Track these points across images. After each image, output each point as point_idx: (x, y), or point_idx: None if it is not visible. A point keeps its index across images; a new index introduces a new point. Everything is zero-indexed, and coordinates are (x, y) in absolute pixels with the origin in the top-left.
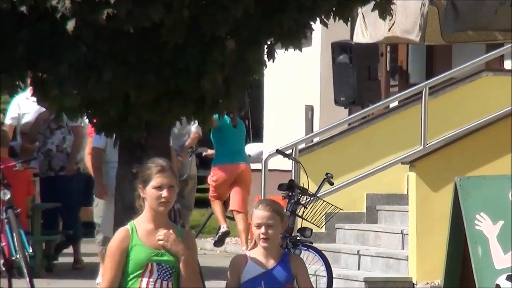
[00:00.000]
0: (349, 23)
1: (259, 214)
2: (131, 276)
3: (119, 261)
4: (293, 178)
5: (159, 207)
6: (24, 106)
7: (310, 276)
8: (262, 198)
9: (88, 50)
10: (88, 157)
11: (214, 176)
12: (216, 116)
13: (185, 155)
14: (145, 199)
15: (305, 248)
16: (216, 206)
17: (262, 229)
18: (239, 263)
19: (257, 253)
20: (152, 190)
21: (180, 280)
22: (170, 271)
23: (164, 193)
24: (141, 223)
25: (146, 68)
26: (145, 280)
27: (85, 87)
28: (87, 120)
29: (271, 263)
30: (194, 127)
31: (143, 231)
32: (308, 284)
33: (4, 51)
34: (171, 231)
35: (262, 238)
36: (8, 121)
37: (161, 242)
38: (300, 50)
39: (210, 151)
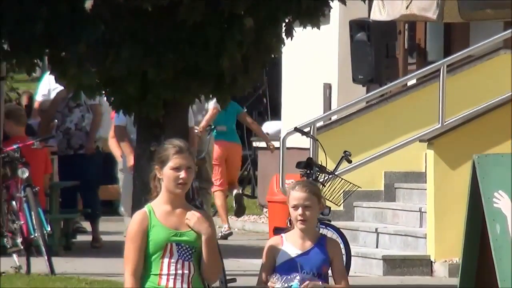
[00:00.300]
0: (367, 1)
1: (296, 195)
2: (151, 258)
3: (140, 243)
4: (311, 156)
5: (177, 188)
6: (54, 83)
7: None
8: (280, 176)
9: (106, 28)
10: (112, 140)
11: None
12: None
13: (203, 132)
14: (162, 180)
15: (323, 226)
16: (219, 200)
17: (299, 211)
18: (275, 245)
19: (293, 235)
20: (170, 171)
21: (202, 260)
22: (190, 251)
23: (182, 174)
24: (158, 205)
25: (164, 47)
26: (166, 260)
27: (103, 65)
28: (105, 98)
29: (307, 245)
30: (212, 103)
31: (161, 213)
32: (343, 270)
33: (23, 28)
34: (194, 211)
35: (300, 220)
36: (39, 98)
37: (186, 221)
38: (318, 28)
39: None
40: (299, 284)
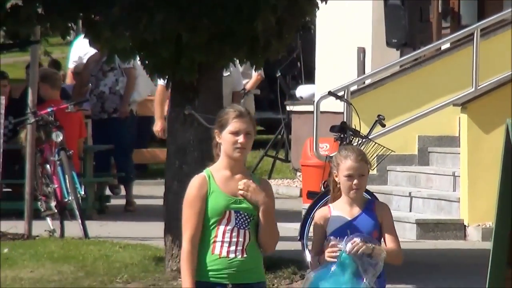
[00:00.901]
0: None
1: (351, 165)
2: (207, 224)
3: (199, 209)
4: (345, 120)
5: (235, 153)
6: (85, 48)
7: None
8: (314, 140)
9: None
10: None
11: None
12: None
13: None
14: (221, 145)
15: None
16: None
17: (355, 181)
18: (323, 216)
19: (341, 203)
20: (229, 136)
21: (259, 229)
22: (248, 220)
23: (241, 138)
24: (217, 170)
25: (198, 10)
26: (221, 228)
27: (137, 29)
28: (139, 62)
29: (356, 211)
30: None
31: (220, 178)
32: (393, 232)
33: None
34: (250, 180)
35: (355, 189)
36: (71, 64)
37: (241, 192)
38: None
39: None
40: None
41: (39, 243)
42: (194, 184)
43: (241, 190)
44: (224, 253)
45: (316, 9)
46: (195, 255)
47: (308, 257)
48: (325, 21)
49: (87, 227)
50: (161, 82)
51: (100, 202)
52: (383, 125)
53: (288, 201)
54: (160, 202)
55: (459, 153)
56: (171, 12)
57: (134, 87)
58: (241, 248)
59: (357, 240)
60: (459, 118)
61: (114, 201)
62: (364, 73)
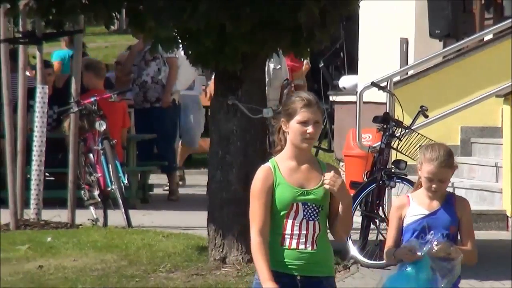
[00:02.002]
0: None
1: (431, 170)
2: (275, 216)
3: (266, 200)
4: (387, 111)
5: (303, 143)
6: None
7: None
8: (357, 130)
9: None
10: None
11: None
12: None
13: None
14: (287, 134)
15: (400, 181)
16: None
17: (434, 185)
18: (402, 206)
19: (420, 194)
20: (297, 125)
21: (336, 220)
22: (317, 210)
23: (309, 128)
24: (283, 160)
25: (241, 0)
26: (290, 221)
27: (180, 18)
28: (182, 52)
29: (435, 205)
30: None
31: (285, 169)
32: (471, 230)
33: None
34: (333, 172)
35: (433, 191)
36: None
37: (326, 186)
38: None
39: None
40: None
41: (82, 232)
42: (259, 176)
43: (326, 184)
44: (293, 245)
45: (359, 0)
46: (266, 245)
47: (352, 247)
48: (368, 11)
49: (130, 216)
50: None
51: (143, 191)
52: (426, 116)
53: None
54: (203, 191)
55: (502, 144)
56: (214, 1)
57: (176, 76)
58: (311, 239)
59: (438, 243)
60: (502, 109)
61: (157, 190)
62: (407, 63)
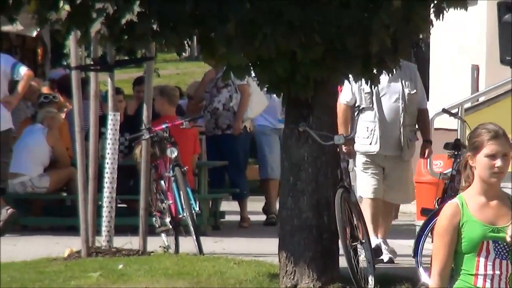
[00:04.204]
0: None
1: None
2: (464, 256)
3: (450, 239)
4: (458, 137)
5: (491, 178)
6: None
7: None
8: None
9: (252, 8)
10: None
11: None
12: None
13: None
14: (474, 169)
15: None
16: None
17: (500, 161)
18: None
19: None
20: (484, 159)
21: None
22: (508, 249)
23: (498, 162)
24: (471, 197)
25: (310, 28)
26: (482, 260)
27: (251, 46)
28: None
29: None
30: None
31: (474, 206)
32: None
33: (172, 8)
34: None
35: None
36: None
37: None
38: (466, 9)
39: None
40: None
41: (153, 259)
42: (446, 213)
43: None
44: (487, 286)
45: (431, 26)
46: None
47: (422, 274)
48: (439, 38)
49: (201, 243)
50: (342, 100)
51: (214, 218)
52: None
53: (402, 218)
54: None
55: None
56: (284, 29)
57: (248, 103)
58: (505, 280)
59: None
60: None
61: (228, 217)
62: (478, 90)
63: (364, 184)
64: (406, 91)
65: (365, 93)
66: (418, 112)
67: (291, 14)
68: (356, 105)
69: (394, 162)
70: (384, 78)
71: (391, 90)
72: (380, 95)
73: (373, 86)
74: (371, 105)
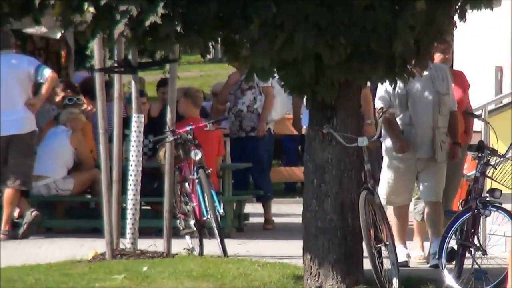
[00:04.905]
0: None
1: None
2: None
3: None
4: (482, 139)
5: None
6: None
7: (499, 237)
8: None
9: (278, 10)
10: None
11: None
12: None
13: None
14: None
15: (495, 209)
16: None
17: None
18: None
19: None
20: None
21: None
22: None
23: None
24: None
25: (336, 30)
26: None
27: (275, 48)
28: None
29: None
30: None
31: None
32: None
33: (196, 10)
34: None
35: None
36: None
37: None
38: (491, 9)
39: None
40: None
41: (178, 261)
42: None
43: None
44: None
45: (454, 28)
46: None
47: (447, 276)
48: (462, 39)
49: (225, 245)
50: (378, 105)
51: (238, 220)
52: None
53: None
54: (298, 220)
55: None
56: (310, 31)
57: (272, 105)
58: None
59: None
60: None
61: (252, 219)
62: (501, 92)
63: (390, 192)
64: (439, 92)
65: (399, 95)
66: (450, 114)
67: (318, 16)
68: (380, 107)
69: (427, 164)
70: (416, 79)
71: (424, 92)
72: (414, 97)
73: (405, 89)
74: (406, 108)
